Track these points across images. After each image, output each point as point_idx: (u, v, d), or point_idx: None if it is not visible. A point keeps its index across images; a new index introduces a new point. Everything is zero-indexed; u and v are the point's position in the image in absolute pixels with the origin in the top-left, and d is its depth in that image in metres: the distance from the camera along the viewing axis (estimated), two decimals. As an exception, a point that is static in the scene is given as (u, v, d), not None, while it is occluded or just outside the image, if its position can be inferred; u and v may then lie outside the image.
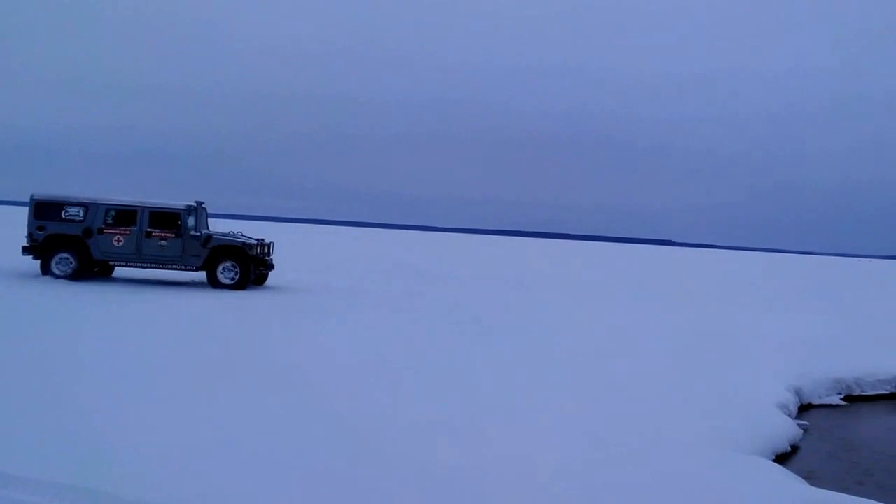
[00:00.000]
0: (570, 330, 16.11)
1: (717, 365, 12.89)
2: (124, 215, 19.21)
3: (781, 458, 8.65)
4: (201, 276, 20.42)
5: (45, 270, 18.89)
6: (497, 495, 5.81)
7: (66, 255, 18.84)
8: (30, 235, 19.05)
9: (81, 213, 19.07)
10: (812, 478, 7.82)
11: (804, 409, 11.61)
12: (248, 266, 19.38)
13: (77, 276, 18.92)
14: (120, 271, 21.25)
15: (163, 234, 19.11)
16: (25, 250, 19.12)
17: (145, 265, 19.36)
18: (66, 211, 19.06)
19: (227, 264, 19.35)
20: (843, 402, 12.27)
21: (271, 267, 20.66)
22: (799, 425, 10.05)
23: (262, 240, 20.46)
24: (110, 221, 19.13)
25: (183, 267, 19.36)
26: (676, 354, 13.78)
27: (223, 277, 19.36)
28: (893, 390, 13.11)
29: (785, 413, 10.32)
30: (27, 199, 19.32)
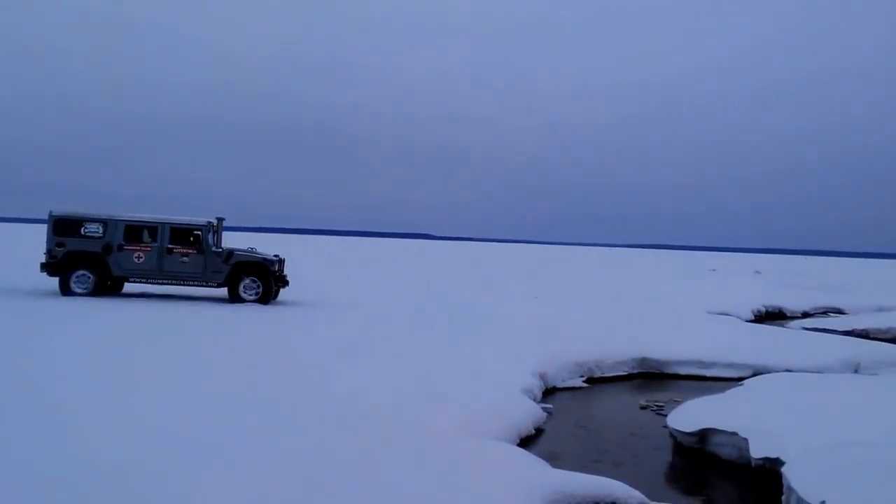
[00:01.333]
0: (325, 323, 15.95)
1: (470, 352, 13.26)
2: (145, 231, 19.39)
3: (526, 442, 9.02)
4: (205, 289, 20.51)
5: (65, 288, 18.88)
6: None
7: (84, 272, 18.92)
8: (48, 252, 19.05)
9: (101, 230, 19.15)
10: (554, 458, 8.18)
11: (549, 392, 12.23)
12: (271, 282, 19.60)
13: (96, 292, 18.93)
14: (128, 286, 20.82)
15: (184, 251, 19.31)
16: (44, 267, 19.07)
17: (166, 282, 19.39)
18: (86, 227, 19.14)
19: (249, 280, 19.55)
20: (584, 385, 13.09)
21: (286, 283, 20.41)
22: (543, 409, 10.54)
23: (278, 255, 20.59)
24: (130, 238, 19.25)
25: (205, 283, 19.54)
26: (433, 343, 14.06)
27: (245, 293, 19.50)
28: (630, 371, 14.18)
29: (530, 397, 10.79)
30: None
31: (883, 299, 32.32)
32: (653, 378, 14.07)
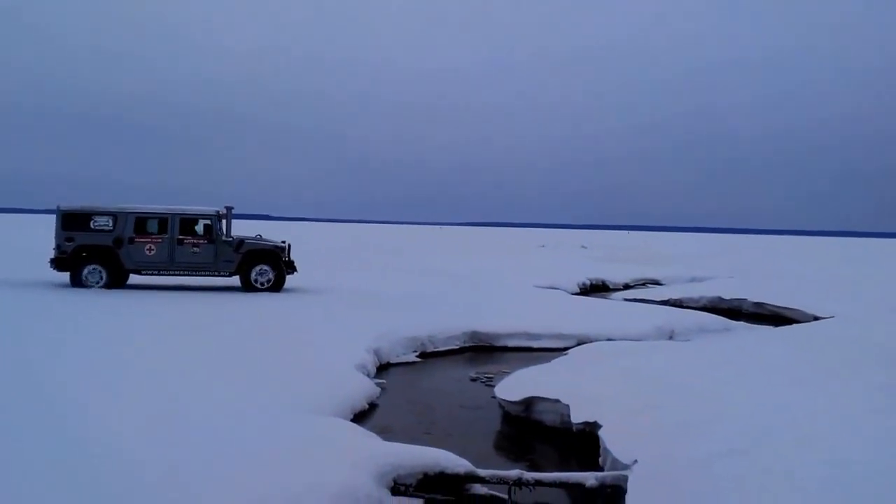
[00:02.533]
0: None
1: (306, 331, 13.24)
2: (155, 223, 19.22)
3: (359, 417, 9.16)
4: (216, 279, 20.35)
5: (76, 282, 18.57)
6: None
7: (96, 266, 18.69)
8: (58, 247, 18.82)
9: (111, 223, 18.95)
10: (385, 432, 8.36)
11: (383, 368, 12.42)
12: (283, 269, 19.60)
13: (109, 286, 18.67)
14: (133, 278, 20.15)
15: (195, 241, 19.23)
16: (54, 263, 18.75)
17: (178, 273, 19.39)
18: (95, 221, 18.92)
19: (262, 268, 19.48)
20: (418, 359, 13.36)
21: (295, 269, 20.29)
22: (377, 384, 10.71)
23: (285, 241, 20.65)
24: (141, 230, 19.09)
25: (217, 273, 19.53)
26: (269, 320, 13.99)
27: (258, 281, 19.40)
28: (462, 345, 14.59)
29: (364, 373, 10.92)
30: None
31: (695, 270, 34.65)
32: (483, 351, 14.52)
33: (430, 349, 14.00)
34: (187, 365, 9.86)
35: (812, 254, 62.45)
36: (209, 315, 14.51)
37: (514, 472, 6.64)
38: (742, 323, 17.90)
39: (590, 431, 8.12)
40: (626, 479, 6.23)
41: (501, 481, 6.60)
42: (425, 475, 6.50)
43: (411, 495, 6.37)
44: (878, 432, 6.72)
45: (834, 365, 9.96)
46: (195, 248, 19.20)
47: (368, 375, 11.11)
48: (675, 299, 23.17)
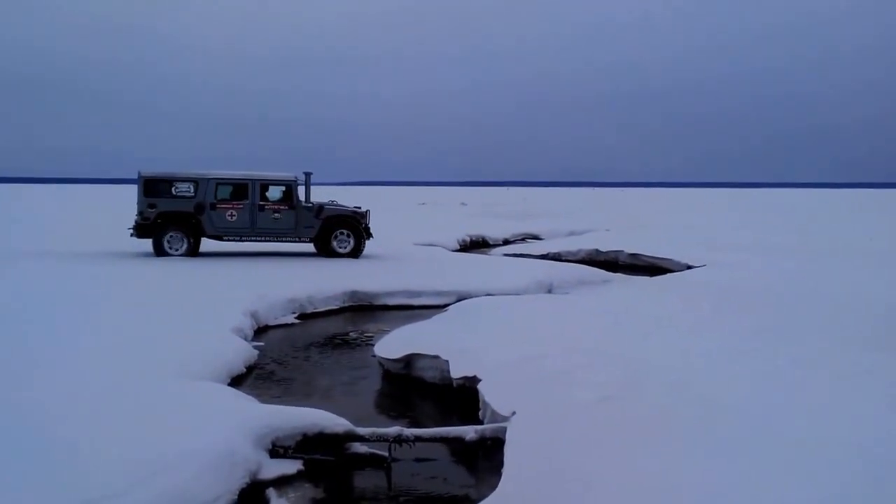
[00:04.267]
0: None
1: (183, 296, 13.05)
2: (235, 189, 19.32)
3: (237, 381, 9.07)
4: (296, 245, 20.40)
5: (159, 250, 18.73)
6: None
7: (178, 233, 18.82)
8: (140, 214, 18.90)
9: (192, 189, 19.02)
10: (264, 395, 8.34)
11: (262, 330, 12.29)
12: (362, 235, 19.65)
13: (191, 252, 18.92)
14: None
15: (276, 207, 19.33)
16: (137, 229, 18.91)
17: (259, 239, 19.54)
18: (177, 187, 18.99)
19: (342, 234, 19.57)
20: (297, 321, 13.29)
21: (371, 235, 20.21)
22: (255, 347, 10.62)
23: (360, 207, 20.55)
24: (222, 196, 19.15)
25: (297, 238, 19.68)
26: (151, 288, 13.84)
27: (338, 247, 19.49)
28: (342, 305, 14.58)
29: (241, 337, 10.78)
30: None
31: (573, 224, 35.57)
32: (363, 310, 14.55)
33: (310, 310, 13.93)
34: (75, 332, 9.67)
35: (689, 205, 65.04)
36: (130, 282, 14.41)
37: (394, 430, 6.75)
38: (619, 274, 18.51)
39: (470, 386, 8.28)
40: (504, 430, 6.41)
41: (381, 439, 6.69)
42: (304, 436, 6.53)
43: (290, 457, 6.40)
44: (746, 374, 7.18)
45: (703, 311, 10.54)
46: (276, 214, 19.30)
47: (246, 339, 10.99)
48: (554, 253, 23.72)
